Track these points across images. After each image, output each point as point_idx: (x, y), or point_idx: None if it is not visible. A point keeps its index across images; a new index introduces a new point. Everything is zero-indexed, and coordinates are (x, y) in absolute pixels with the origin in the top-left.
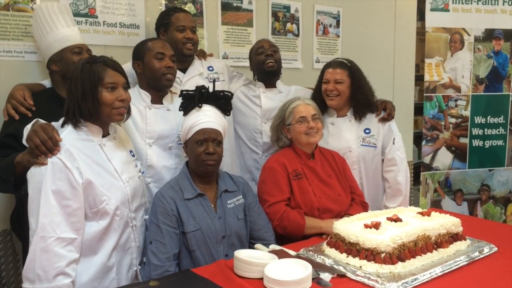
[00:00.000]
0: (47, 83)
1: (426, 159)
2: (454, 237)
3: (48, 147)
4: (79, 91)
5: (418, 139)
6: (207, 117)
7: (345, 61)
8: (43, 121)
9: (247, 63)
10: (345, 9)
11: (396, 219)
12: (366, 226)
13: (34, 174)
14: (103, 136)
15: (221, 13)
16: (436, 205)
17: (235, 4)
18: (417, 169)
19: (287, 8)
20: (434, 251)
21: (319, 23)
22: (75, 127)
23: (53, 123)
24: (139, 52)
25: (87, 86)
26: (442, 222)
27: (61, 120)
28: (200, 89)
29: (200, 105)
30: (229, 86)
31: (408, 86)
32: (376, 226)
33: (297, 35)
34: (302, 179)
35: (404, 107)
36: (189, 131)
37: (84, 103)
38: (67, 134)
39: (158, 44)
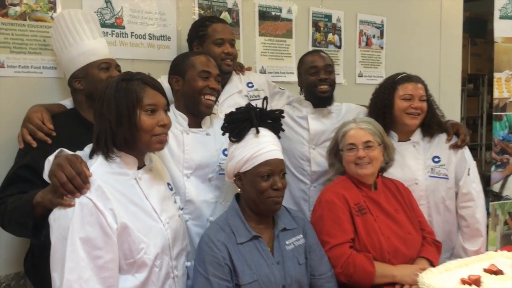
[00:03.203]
0: (67, 103)
1: (495, 187)
2: None
3: (76, 184)
4: (113, 114)
5: None
6: (269, 144)
7: (418, 76)
8: (68, 152)
9: (286, 78)
10: (389, 18)
11: (497, 271)
12: (464, 281)
13: (58, 218)
14: (139, 168)
15: (259, 23)
16: (507, 240)
17: (273, 13)
18: None
19: (329, 17)
20: None
21: (362, 33)
22: (107, 158)
23: (78, 153)
24: (180, 67)
25: (123, 109)
26: None
27: (87, 149)
28: (255, 109)
29: (258, 129)
30: (271, 104)
31: (454, 100)
32: (477, 282)
33: (339, 47)
34: (366, 214)
35: None
36: (248, 162)
37: (119, 129)
38: (98, 167)
39: (203, 60)
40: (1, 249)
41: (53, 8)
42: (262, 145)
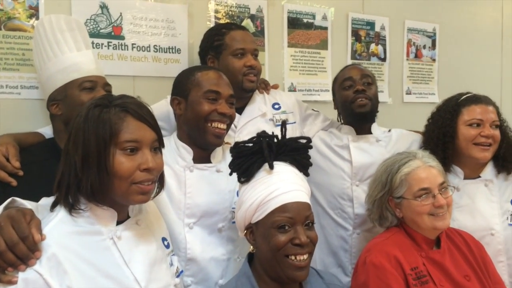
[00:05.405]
0: (47, 131)
1: None
2: None
3: (20, 254)
4: (79, 152)
5: None
6: (288, 183)
7: (487, 96)
8: (22, 203)
9: (320, 97)
10: (442, 25)
11: None
12: None
13: None
14: (119, 222)
15: (288, 31)
16: None
17: (305, 20)
18: None
19: (371, 24)
20: None
21: (410, 43)
22: (72, 211)
23: (42, 202)
24: (182, 85)
25: (91, 146)
26: None
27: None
28: (267, 139)
29: (271, 164)
30: (302, 130)
31: None
32: None
33: (384, 60)
34: (427, 283)
35: None
36: (260, 209)
37: (85, 172)
38: (56, 226)
39: (211, 77)
40: None
41: (34, 15)
42: (277, 185)
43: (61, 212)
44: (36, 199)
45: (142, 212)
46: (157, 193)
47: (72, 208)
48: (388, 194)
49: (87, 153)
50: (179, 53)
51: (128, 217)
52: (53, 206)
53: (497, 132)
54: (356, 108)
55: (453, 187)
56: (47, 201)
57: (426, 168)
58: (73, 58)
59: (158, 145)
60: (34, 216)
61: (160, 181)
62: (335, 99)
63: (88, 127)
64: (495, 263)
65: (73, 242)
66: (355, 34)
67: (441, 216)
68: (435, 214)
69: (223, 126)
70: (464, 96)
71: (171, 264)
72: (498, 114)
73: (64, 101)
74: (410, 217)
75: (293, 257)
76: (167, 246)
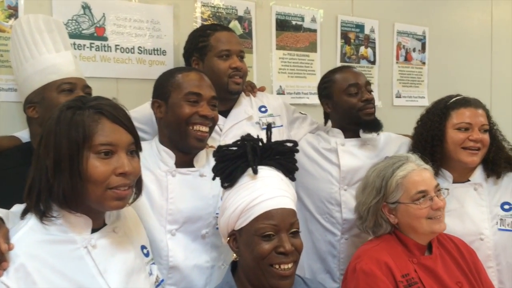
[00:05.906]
0: (24, 135)
1: None
2: None
3: None
4: (51, 156)
5: None
6: (272, 189)
7: (477, 99)
8: None
9: (309, 100)
10: (432, 28)
11: None
12: None
13: None
14: (94, 230)
15: (276, 33)
16: None
17: (294, 23)
18: None
19: (361, 27)
20: None
21: (400, 46)
22: (43, 218)
23: (14, 209)
24: (163, 88)
25: (63, 149)
26: None
27: None
28: (251, 142)
29: (255, 168)
30: (289, 133)
31: (508, 123)
32: None
33: (373, 63)
34: None
35: None
36: (243, 215)
37: (56, 178)
38: (26, 234)
39: (193, 79)
40: None
41: (13, 15)
42: (261, 190)
43: (31, 220)
44: (10, 205)
45: (120, 219)
46: (135, 199)
47: (43, 215)
48: (382, 199)
49: (59, 157)
50: (164, 55)
51: (105, 224)
52: (24, 214)
53: (486, 136)
54: (365, 116)
55: (446, 189)
56: (19, 208)
57: (421, 171)
58: (52, 59)
59: (135, 148)
60: (1, 225)
61: (138, 186)
62: (331, 102)
63: (60, 129)
64: (486, 268)
65: (43, 251)
66: (345, 36)
67: (438, 219)
68: (433, 217)
69: (205, 129)
70: (454, 99)
71: (151, 273)
72: (488, 117)
73: (41, 103)
74: (406, 222)
75: (277, 266)
76: (147, 255)
